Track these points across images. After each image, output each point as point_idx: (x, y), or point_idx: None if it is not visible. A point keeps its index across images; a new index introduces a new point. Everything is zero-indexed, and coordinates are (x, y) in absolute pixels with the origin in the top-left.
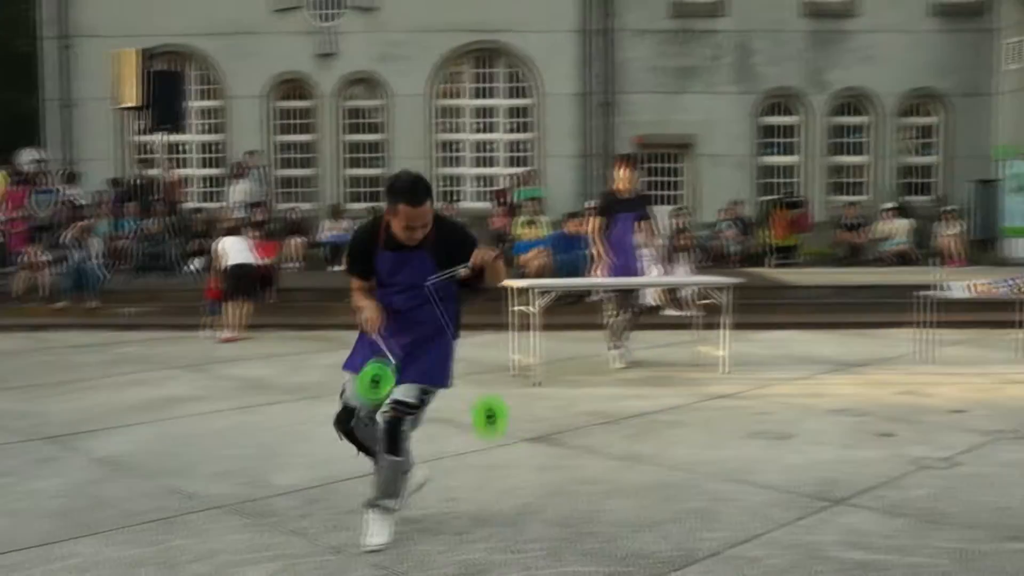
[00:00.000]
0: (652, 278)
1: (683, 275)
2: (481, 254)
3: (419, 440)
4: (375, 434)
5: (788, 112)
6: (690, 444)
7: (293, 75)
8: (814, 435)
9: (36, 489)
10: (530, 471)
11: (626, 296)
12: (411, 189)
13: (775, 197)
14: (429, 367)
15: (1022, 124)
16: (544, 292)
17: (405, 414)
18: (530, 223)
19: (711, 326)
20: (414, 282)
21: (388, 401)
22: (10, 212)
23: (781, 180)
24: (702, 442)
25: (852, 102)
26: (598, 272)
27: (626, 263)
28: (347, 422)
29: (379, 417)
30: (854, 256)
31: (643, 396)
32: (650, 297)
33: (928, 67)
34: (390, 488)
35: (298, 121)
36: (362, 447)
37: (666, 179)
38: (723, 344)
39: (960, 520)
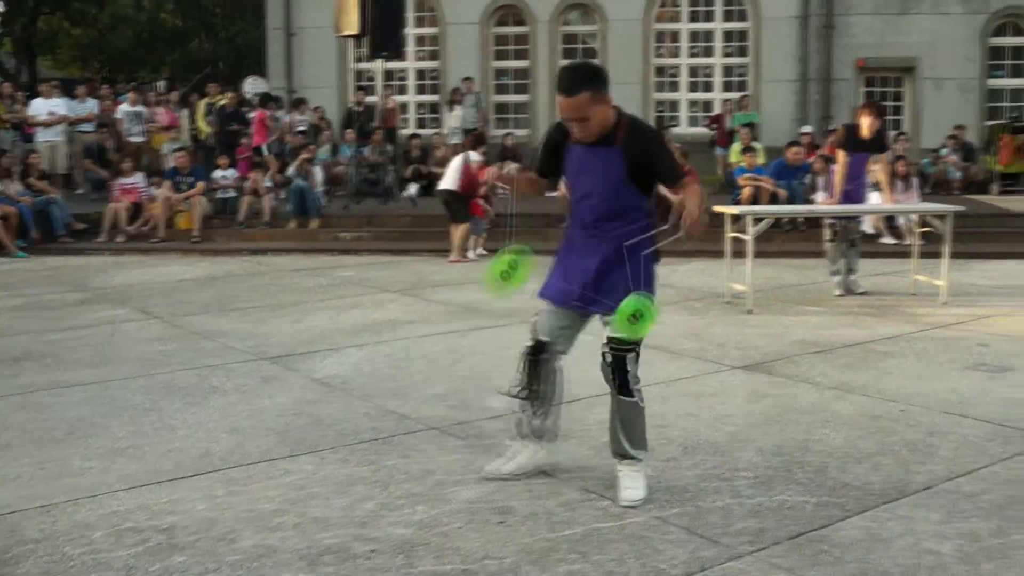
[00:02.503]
0: (870, 205)
1: (903, 202)
2: (688, 221)
3: None
4: (556, 376)
5: (1018, 33)
6: (905, 375)
7: (509, 1)
8: None
9: (259, 408)
10: (741, 399)
11: (846, 223)
12: (567, 77)
13: (1002, 122)
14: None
15: None
16: (759, 219)
17: (626, 351)
18: (747, 149)
19: (930, 255)
20: (599, 183)
21: (605, 340)
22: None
23: (1009, 104)
24: (917, 374)
25: None
26: (825, 201)
27: (852, 192)
28: (536, 358)
29: (601, 359)
30: None
31: (858, 325)
32: (868, 224)
33: None
34: (633, 435)
35: (513, 47)
36: (536, 386)
37: (888, 103)
38: (943, 274)
39: None
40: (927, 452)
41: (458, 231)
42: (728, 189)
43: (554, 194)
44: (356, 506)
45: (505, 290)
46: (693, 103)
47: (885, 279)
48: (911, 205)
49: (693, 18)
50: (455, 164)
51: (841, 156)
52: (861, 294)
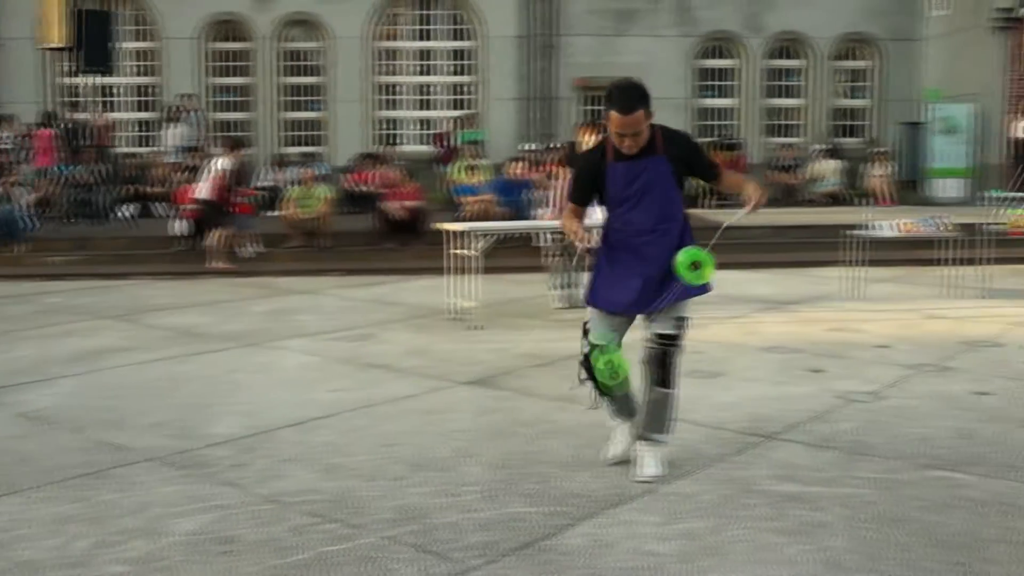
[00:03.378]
0: (593, 220)
1: None
2: (755, 193)
3: (355, 387)
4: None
5: (725, 55)
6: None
7: (229, 16)
8: (746, 372)
9: None
10: (468, 415)
11: (568, 238)
12: (622, 96)
13: (712, 139)
14: (681, 292)
15: (948, 68)
16: (483, 235)
17: (670, 346)
18: (471, 168)
19: None
20: (652, 192)
21: (652, 336)
22: None
23: (718, 123)
24: (637, 382)
25: (787, 46)
26: (547, 216)
27: None
28: (588, 363)
29: (645, 352)
30: (788, 197)
31: (580, 337)
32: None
33: (860, 12)
34: (658, 422)
35: (234, 64)
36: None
37: (606, 122)
38: None
39: (884, 451)
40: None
41: (216, 236)
42: (452, 206)
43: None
44: (69, 546)
45: (698, 280)
46: (418, 121)
47: None
48: None
49: (418, 36)
50: (209, 173)
51: (564, 173)
52: (583, 307)
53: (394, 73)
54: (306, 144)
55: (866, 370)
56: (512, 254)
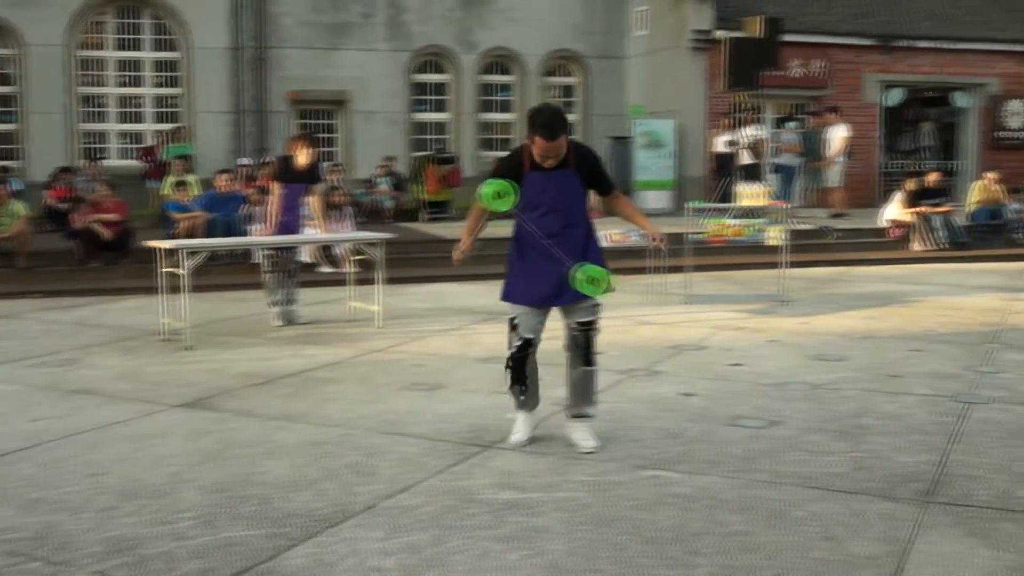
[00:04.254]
0: (306, 235)
1: (338, 231)
2: (656, 235)
3: (59, 415)
4: (535, 364)
5: (439, 70)
6: (345, 400)
7: None
8: (465, 383)
9: None
10: (182, 438)
11: (283, 254)
12: (548, 123)
13: (427, 153)
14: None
15: (651, 86)
16: (194, 252)
17: (590, 330)
18: (180, 184)
19: (366, 282)
20: (561, 202)
21: (573, 324)
22: None
23: (433, 136)
24: (357, 397)
25: (499, 61)
26: (261, 232)
27: (288, 223)
28: (525, 354)
29: (569, 338)
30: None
31: (299, 355)
32: (305, 254)
33: (569, 31)
34: (588, 397)
35: None
36: (521, 379)
37: (321, 135)
38: (378, 299)
39: (598, 454)
40: (369, 473)
41: None
42: (162, 222)
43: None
44: None
45: (499, 207)
46: (124, 134)
47: (324, 307)
48: (345, 234)
49: (120, 46)
50: None
51: (276, 188)
52: (302, 323)
53: (98, 84)
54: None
55: None
56: (230, 271)
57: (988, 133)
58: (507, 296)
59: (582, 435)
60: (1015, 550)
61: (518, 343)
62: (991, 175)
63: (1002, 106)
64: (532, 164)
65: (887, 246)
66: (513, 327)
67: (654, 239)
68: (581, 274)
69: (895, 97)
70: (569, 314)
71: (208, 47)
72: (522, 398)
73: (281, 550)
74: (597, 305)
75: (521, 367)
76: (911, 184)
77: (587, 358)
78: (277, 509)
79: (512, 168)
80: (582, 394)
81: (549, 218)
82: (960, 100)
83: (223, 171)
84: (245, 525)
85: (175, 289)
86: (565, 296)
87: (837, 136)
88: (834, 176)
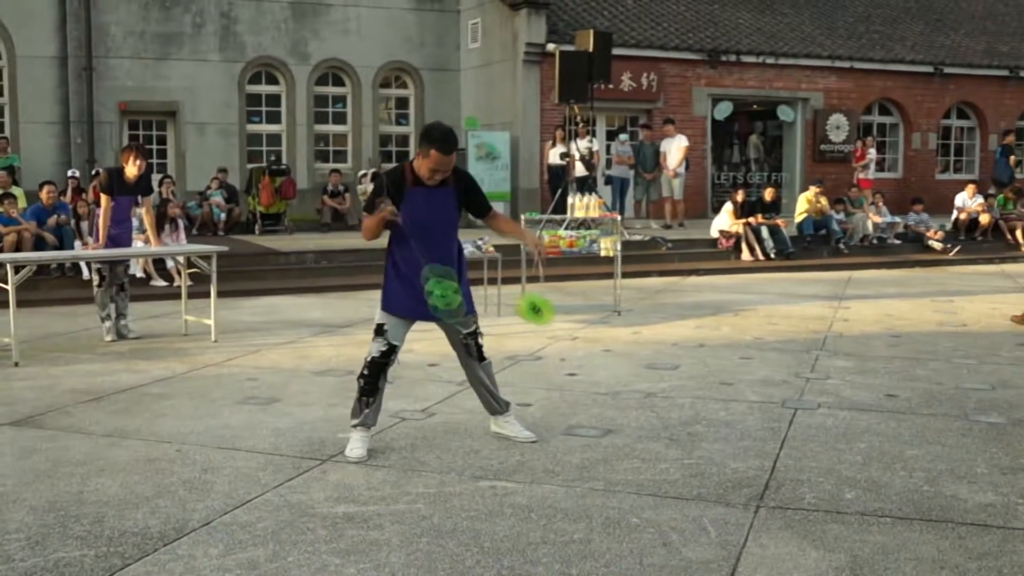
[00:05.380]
0: (137, 248)
1: (170, 244)
2: (535, 246)
3: None
4: (385, 383)
5: (273, 81)
6: (179, 415)
7: None
8: (301, 397)
9: None
10: (11, 457)
11: (113, 267)
12: (445, 139)
13: (262, 165)
14: (467, 297)
15: (484, 98)
16: (20, 267)
17: (476, 334)
18: (6, 195)
19: (200, 295)
20: (439, 218)
21: (462, 335)
22: None
23: (267, 148)
24: (191, 412)
25: (333, 73)
26: (91, 245)
27: (118, 236)
28: (387, 360)
29: (461, 348)
30: (337, 221)
31: (131, 370)
32: (137, 268)
33: (402, 43)
34: (496, 390)
35: None
36: (373, 390)
37: (152, 146)
38: (212, 313)
39: (436, 466)
40: (204, 489)
41: None
42: None
43: None
44: None
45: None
46: None
47: (157, 321)
48: (178, 247)
49: None
50: None
51: (105, 200)
52: (134, 338)
53: None
54: None
55: (417, 389)
56: (59, 285)
57: (812, 146)
58: (385, 306)
59: (515, 426)
60: (842, 550)
61: (383, 348)
62: (816, 187)
63: (825, 120)
64: (415, 180)
65: (717, 256)
66: (381, 332)
67: (537, 250)
68: (524, 302)
69: (723, 110)
70: (454, 327)
71: (33, 56)
72: (367, 411)
73: (115, 569)
74: (473, 314)
75: (376, 376)
76: (740, 195)
77: (481, 356)
78: (111, 528)
79: (395, 184)
80: (492, 392)
81: (429, 233)
82: (785, 114)
83: (45, 183)
84: (77, 545)
85: (2, 304)
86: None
87: (676, 147)
88: (677, 188)
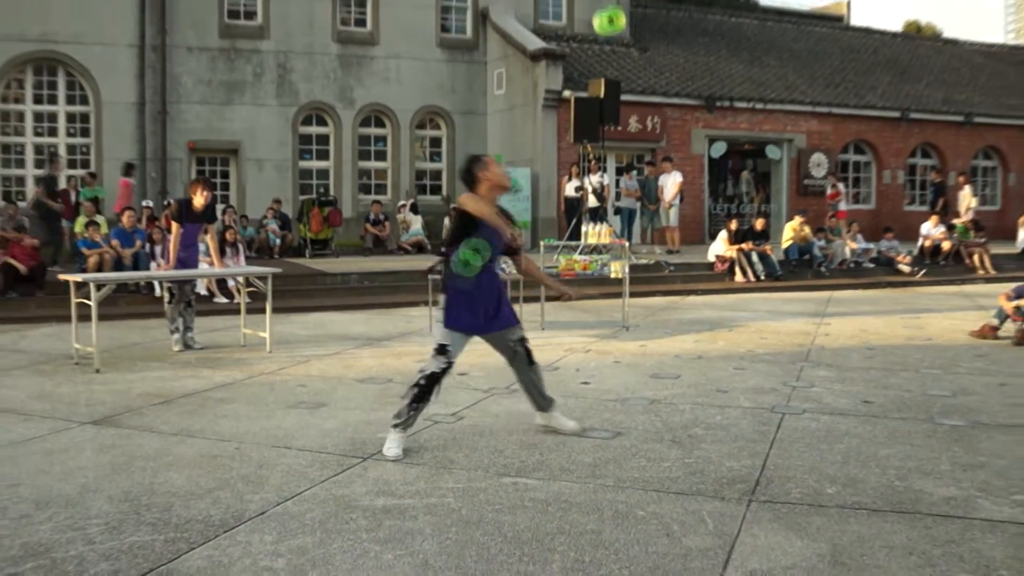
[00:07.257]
0: (202, 270)
1: (231, 266)
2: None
3: None
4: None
5: (322, 123)
6: (238, 417)
7: None
8: (345, 402)
9: None
10: (90, 452)
11: (182, 286)
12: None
13: (311, 196)
14: (509, 308)
15: (508, 138)
16: (101, 285)
17: (525, 341)
18: (91, 223)
19: (257, 311)
20: (498, 243)
21: (513, 341)
22: None
23: (317, 182)
24: (248, 415)
25: (375, 115)
26: (162, 266)
27: (186, 258)
28: (444, 375)
29: (514, 354)
30: (378, 246)
31: (197, 376)
32: (202, 286)
33: (436, 89)
34: (545, 390)
35: None
36: (425, 399)
37: (217, 180)
38: (267, 327)
39: (464, 464)
40: (259, 482)
41: None
42: (78, 258)
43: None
44: None
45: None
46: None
47: (219, 334)
48: (238, 268)
49: (37, 100)
50: None
51: (175, 227)
52: (199, 349)
53: (15, 134)
54: None
55: (448, 395)
56: (135, 301)
57: (797, 181)
58: (449, 323)
59: (560, 421)
60: (824, 539)
61: (444, 365)
62: (801, 217)
63: (807, 158)
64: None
65: (714, 278)
66: (443, 351)
67: (562, 293)
68: (603, 15)
69: (718, 149)
70: (504, 336)
71: (116, 102)
72: (411, 415)
73: (181, 552)
74: (518, 323)
75: (431, 388)
76: (733, 224)
77: (531, 360)
78: (177, 516)
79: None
80: (541, 390)
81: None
82: (773, 152)
83: (127, 208)
84: (149, 531)
85: (86, 318)
86: (490, 325)
87: (672, 182)
88: (673, 217)
